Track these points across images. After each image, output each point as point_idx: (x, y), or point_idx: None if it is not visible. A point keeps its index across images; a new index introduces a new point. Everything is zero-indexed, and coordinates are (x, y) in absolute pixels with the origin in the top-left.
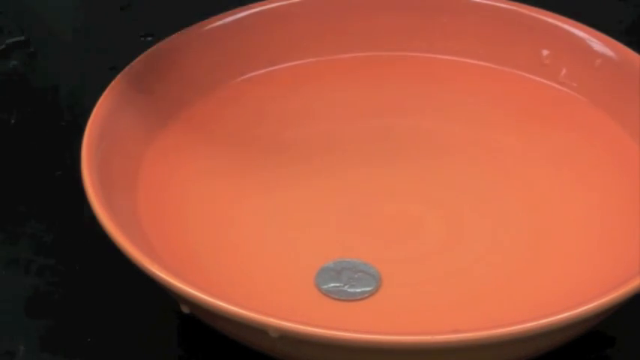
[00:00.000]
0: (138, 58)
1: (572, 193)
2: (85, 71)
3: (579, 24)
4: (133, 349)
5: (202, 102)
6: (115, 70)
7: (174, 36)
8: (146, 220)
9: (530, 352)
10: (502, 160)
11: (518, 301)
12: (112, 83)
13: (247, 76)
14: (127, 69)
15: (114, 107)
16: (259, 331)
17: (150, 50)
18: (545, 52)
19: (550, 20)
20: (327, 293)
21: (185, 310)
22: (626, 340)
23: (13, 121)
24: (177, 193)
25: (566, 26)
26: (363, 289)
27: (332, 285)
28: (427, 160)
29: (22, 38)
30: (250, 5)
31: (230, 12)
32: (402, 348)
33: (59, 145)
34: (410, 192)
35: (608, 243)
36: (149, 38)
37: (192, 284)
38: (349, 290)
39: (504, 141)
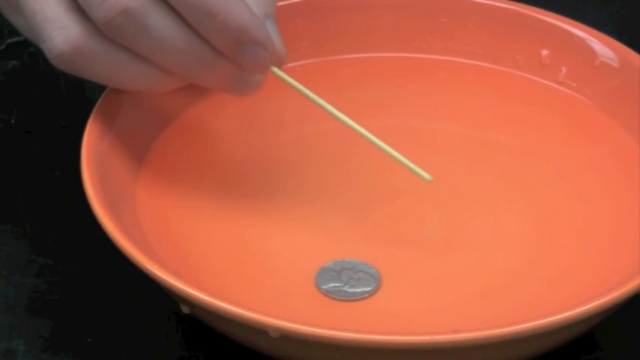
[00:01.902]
0: None
1: (572, 193)
2: None
3: (579, 24)
4: (133, 350)
5: (203, 102)
6: None
7: None
8: (146, 220)
9: (530, 352)
10: (502, 160)
11: (518, 301)
12: None
13: None
14: None
15: (114, 107)
16: (259, 331)
17: None
18: (544, 52)
19: (550, 20)
20: (327, 293)
21: (185, 310)
22: (622, 342)
23: (13, 121)
24: (177, 193)
25: (566, 26)
26: (363, 289)
27: (332, 285)
28: (427, 160)
29: (22, 38)
30: None
31: None
32: (402, 348)
33: (59, 145)
34: (410, 192)
35: (608, 243)
36: None
37: (192, 284)
38: (349, 290)
39: (504, 141)
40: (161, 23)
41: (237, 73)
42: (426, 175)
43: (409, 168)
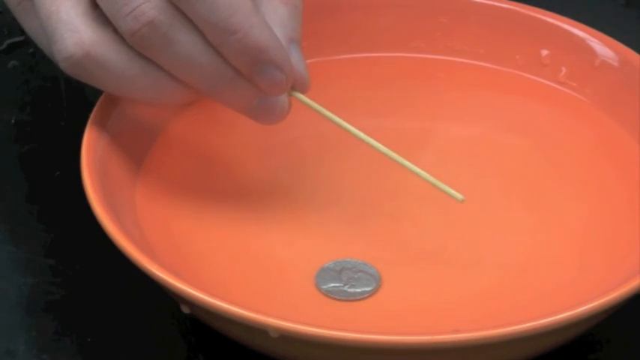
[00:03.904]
0: None
1: (572, 193)
2: None
3: (579, 24)
4: (133, 350)
5: (205, 102)
6: None
7: None
8: (146, 220)
9: (531, 352)
10: (502, 159)
11: (518, 301)
12: None
13: None
14: None
15: (114, 107)
16: (259, 331)
17: None
18: (544, 52)
19: (550, 20)
20: (327, 293)
21: (185, 310)
22: (621, 342)
23: (13, 121)
24: (177, 193)
25: (566, 26)
26: (363, 289)
27: (332, 285)
28: (427, 160)
29: (22, 38)
30: None
31: None
32: (402, 348)
33: (59, 145)
34: (410, 192)
35: (608, 243)
36: None
37: (192, 284)
38: (349, 290)
39: (504, 141)
40: (185, 38)
41: (258, 97)
42: (458, 196)
43: (440, 189)
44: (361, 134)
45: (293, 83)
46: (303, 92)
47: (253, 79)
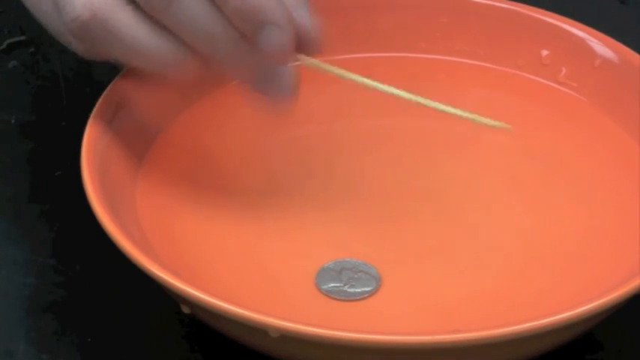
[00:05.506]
0: None
1: (572, 193)
2: (86, 71)
3: (579, 24)
4: (133, 350)
5: (205, 101)
6: (115, 70)
7: None
8: (146, 220)
9: (531, 352)
10: (502, 159)
11: (518, 301)
12: (113, 82)
13: None
14: (128, 68)
15: (114, 107)
16: (259, 331)
17: None
18: (545, 52)
19: (550, 20)
20: (327, 293)
21: (185, 310)
22: (621, 342)
23: (13, 121)
24: (177, 193)
25: (566, 26)
26: (363, 289)
27: (332, 285)
28: (427, 160)
29: (22, 38)
30: None
31: None
32: (402, 348)
33: (59, 145)
34: (410, 192)
35: (608, 243)
36: None
37: (192, 284)
38: (349, 290)
39: (504, 141)
40: None
41: (263, 64)
42: (503, 125)
43: (481, 122)
44: (380, 85)
45: (301, 45)
46: (312, 53)
47: (255, 41)
